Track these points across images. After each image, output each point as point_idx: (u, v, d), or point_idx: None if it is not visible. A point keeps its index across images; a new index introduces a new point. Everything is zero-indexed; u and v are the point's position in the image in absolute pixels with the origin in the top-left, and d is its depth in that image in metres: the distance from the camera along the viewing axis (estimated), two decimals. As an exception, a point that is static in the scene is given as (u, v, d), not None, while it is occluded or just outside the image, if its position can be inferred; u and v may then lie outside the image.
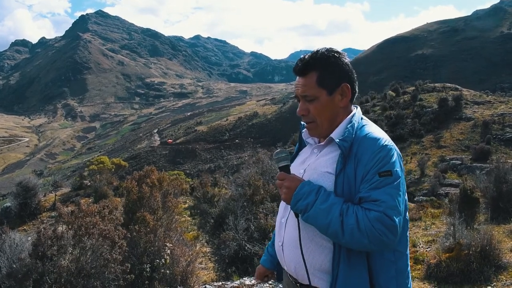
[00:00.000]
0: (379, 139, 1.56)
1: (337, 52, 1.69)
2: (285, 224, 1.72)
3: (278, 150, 1.76)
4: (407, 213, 1.63)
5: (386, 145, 1.54)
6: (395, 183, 1.49)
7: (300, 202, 1.55)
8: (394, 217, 1.43)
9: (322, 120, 1.67)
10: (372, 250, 1.50)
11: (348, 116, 1.68)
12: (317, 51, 1.69)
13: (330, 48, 1.71)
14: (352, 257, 1.52)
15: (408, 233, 1.64)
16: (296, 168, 1.75)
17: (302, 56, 1.73)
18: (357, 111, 1.71)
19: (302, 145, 1.87)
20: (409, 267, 1.66)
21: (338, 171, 1.56)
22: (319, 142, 1.76)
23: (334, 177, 1.57)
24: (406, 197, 1.62)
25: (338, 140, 1.58)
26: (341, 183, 1.55)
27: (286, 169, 1.70)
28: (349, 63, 1.69)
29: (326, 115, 1.67)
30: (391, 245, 1.46)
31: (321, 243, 1.58)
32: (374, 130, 1.62)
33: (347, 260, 1.52)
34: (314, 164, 1.67)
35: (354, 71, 1.71)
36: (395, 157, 1.53)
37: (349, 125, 1.63)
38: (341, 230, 1.45)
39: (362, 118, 1.69)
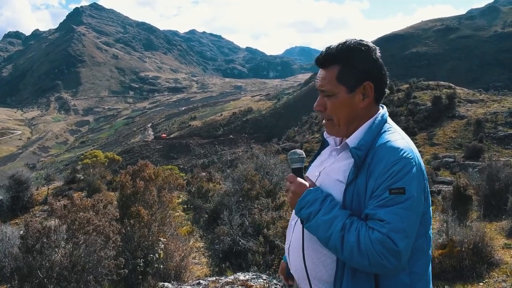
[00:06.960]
0: (397, 149, 1.37)
1: (367, 45, 1.49)
2: (294, 228, 1.61)
3: (293, 150, 1.65)
4: (430, 231, 1.48)
5: (405, 157, 1.35)
6: (407, 202, 1.31)
7: (304, 210, 1.44)
8: (399, 242, 1.27)
9: (338, 119, 1.51)
10: (374, 273, 1.35)
11: (370, 120, 1.50)
12: (345, 41, 1.51)
13: (360, 40, 1.51)
14: (358, 274, 1.37)
15: (430, 252, 1.48)
16: (313, 170, 1.63)
17: (329, 45, 1.54)
18: (381, 114, 1.53)
19: (324, 144, 1.71)
20: None
21: (349, 181, 1.41)
22: (339, 143, 1.61)
23: (344, 187, 1.42)
24: (431, 214, 1.49)
25: (351, 148, 1.44)
26: (350, 195, 1.40)
27: (298, 171, 1.57)
28: (379, 60, 1.51)
29: (343, 114, 1.50)
30: (394, 270, 1.31)
31: (325, 254, 1.45)
32: (395, 138, 1.43)
33: (351, 277, 1.38)
34: (329, 169, 1.54)
35: (385, 69, 1.52)
36: (413, 172, 1.34)
37: (368, 131, 1.47)
38: (341, 246, 1.33)
39: (386, 122, 1.51)
